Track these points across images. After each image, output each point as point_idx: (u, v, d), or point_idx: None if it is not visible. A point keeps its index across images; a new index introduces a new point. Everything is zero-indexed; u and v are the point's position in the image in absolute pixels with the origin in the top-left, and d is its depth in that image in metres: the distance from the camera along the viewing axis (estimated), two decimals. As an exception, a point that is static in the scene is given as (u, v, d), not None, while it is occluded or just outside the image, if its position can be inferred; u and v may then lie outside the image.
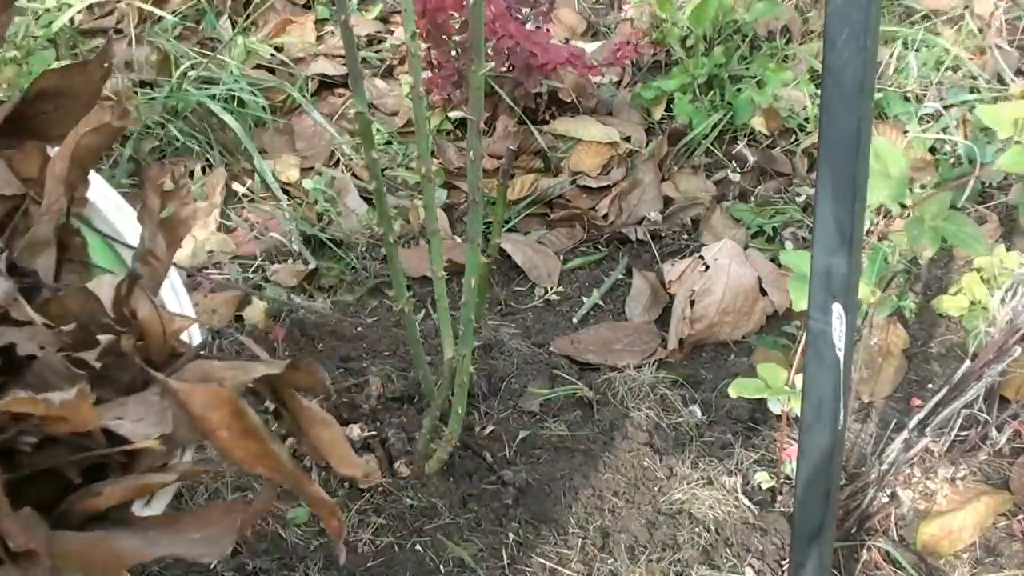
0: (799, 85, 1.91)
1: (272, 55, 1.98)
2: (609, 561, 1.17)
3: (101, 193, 0.88)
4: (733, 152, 1.87)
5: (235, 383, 0.66)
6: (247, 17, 2.09)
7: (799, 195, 1.76)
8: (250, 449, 0.62)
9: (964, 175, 1.61)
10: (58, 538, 0.60)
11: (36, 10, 1.79)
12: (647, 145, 1.88)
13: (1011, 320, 1.14)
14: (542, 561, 1.17)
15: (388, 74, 2.09)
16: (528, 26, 1.83)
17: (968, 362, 1.14)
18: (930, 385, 1.44)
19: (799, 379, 1.16)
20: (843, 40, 0.76)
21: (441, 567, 1.15)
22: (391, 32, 2.21)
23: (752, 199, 1.79)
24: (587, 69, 1.81)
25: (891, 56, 2.01)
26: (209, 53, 1.86)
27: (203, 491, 1.20)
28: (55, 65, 1.52)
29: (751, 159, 1.85)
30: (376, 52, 2.13)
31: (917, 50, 2.00)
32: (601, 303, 1.60)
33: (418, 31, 1.29)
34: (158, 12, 1.98)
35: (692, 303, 1.51)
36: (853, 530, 1.22)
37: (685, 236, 1.72)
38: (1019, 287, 1.19)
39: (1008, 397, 1.32)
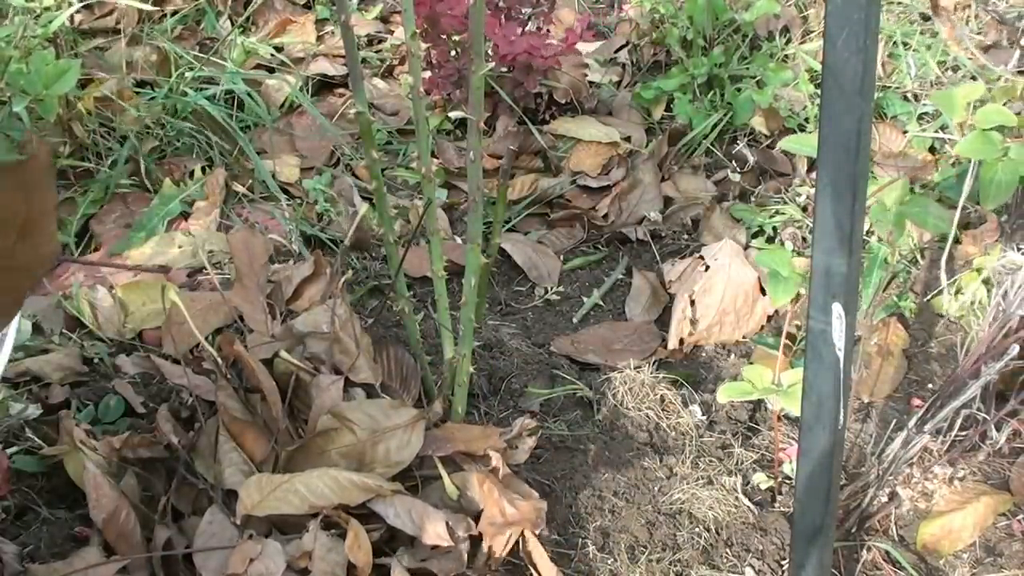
0: (799, 85, 1.91)
1: (272, 55, 1.98)
2: (609, 561, 1.17)
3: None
4: (733, 152, 1.87)
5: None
6: (247, 17, 2.10)
7: (799, 195, 1.76)
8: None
9: (963, 174, 1.61)
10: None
11: (35, 9, 1.79)
12: (647, 145, 1.88)
13: (997, 316, 1.14)
14: (542, 561, 1.17)
15: (388, 74, 2.09)
16: (529, 27, 1.83)
17: (962, 358, 1.15)
18: (930, 385, 1.44)
19: (786, 377, 1.16)
20: (843, 40, 0.76)
21: (441, 567, 1.15)
22: (391, 32, 2.21)
23: (752, 199, 1.79)
24: (544, 59, 1.81)
25: (890, 55, 2.01)
26: (203, 55, 1.86)
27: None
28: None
29: (751, 159, 1.85)
30: (376, 52, 2.13)
31: (916, 50, 2.00)
32: (601, 303, 1.60)
33: (418, 31, 1.29)
34: (149, 7, 1.98)
35: (692, 303, 1.51)
36: (853, 530, 1.22)
37: (685, 236, 1.72)
38: (1005, 280, 1.19)
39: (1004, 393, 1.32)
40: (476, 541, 1.09)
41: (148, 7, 1.91)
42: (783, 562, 1.18)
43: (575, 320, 1.56)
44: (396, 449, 1.10)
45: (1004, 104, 1.32)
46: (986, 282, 1.47)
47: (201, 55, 1.87)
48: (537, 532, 1.11)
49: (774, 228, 1.71)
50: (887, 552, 1.20)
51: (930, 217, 1.16)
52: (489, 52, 1.84)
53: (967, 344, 1.33)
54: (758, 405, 1.40)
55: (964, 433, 1.27)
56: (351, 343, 1.22)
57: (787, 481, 1.27)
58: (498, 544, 1.09)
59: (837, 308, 0.87)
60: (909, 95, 1.94)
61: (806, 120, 1.89)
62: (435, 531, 1.03)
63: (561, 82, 1.91)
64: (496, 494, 1.10)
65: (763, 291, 1.54)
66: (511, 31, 1.78)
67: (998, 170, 1.18)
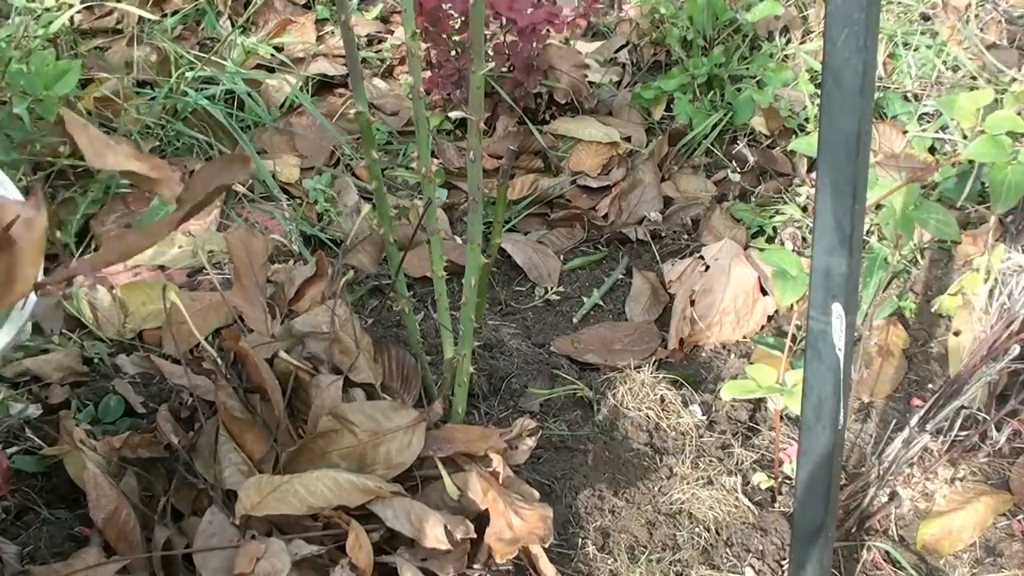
0: (799, 85, 1.91)
1: (272, 55, 1.98)
2: (609, 561, 1.17)
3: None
4: (733, 152, 1.87)
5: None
6: (247, 17, 2.09)
7: (799, 195, 1.76)
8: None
9: (963, 174, 1.61)
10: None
11: (35, 10, 1.79)
12: (647, 145, 1.88)
13: (1001, 316, 1.14)
14: (542, 561, 1.17)
15: (388, 74, 2.09)
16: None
17: (964, 359, 1.14)
18: (930, 385, 1.44)
19: (790, 377, 1.16)
20: (843, 40, 0.76)
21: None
22: (391, 32, 2.21)
23: (752, 199, 1.79)
24: (564, 25, 1.81)
25: (890, 55, 2.01)
26: (203, 55, 1.86)
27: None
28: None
29: (751, 159, 1.85)
30: (376, 52, 2.13)
31: (916, 49, 2.00)
32: (601, 303, 1.60)
33: (418, 31, 1.29)
34: (153, 17, 1.99)
35: (692, 303, 1.51)
36: (853, 530, 1.22)
37: (685, 236, 1.72)
38: (1010, 281, 1.19)
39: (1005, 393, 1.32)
40: (477, 540, 1.09)
41: (149, 15, 1.91)
42: (783, 562, 1.18)
43: (575, 320, 1.56)
44: (397, 451, 1.10)
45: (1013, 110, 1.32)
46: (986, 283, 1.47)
47: (201, 55, 1.87)
48: (546, 545, 1.10)
49: (774, 228, 1.71)
50: (887, 552, 1.21)
51: (939, 223, 1.16)
52: (490, 53, 1.84)
53: (968, 344, 1.33)
54: (758, 405, 1.40)
55: (965, 433, 1.27)
56: (351, 343, 1.22)
57: (787, 481, 1.27)
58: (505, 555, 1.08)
59: (837, 308, 0.87)
60: (909, 95, 1.94)
61: (806, 120, 1.89)
62: (434, 534, 1.03)
63: (561, 82, 1.91)
64: (501, 505, 1.10)
65: (763, 291, 1.54)
66: (524, 4, 1.77)
67: (1008, 173, 1.18)
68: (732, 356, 1.50)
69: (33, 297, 0.92)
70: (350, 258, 1.56)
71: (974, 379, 1.13)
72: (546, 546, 1.10)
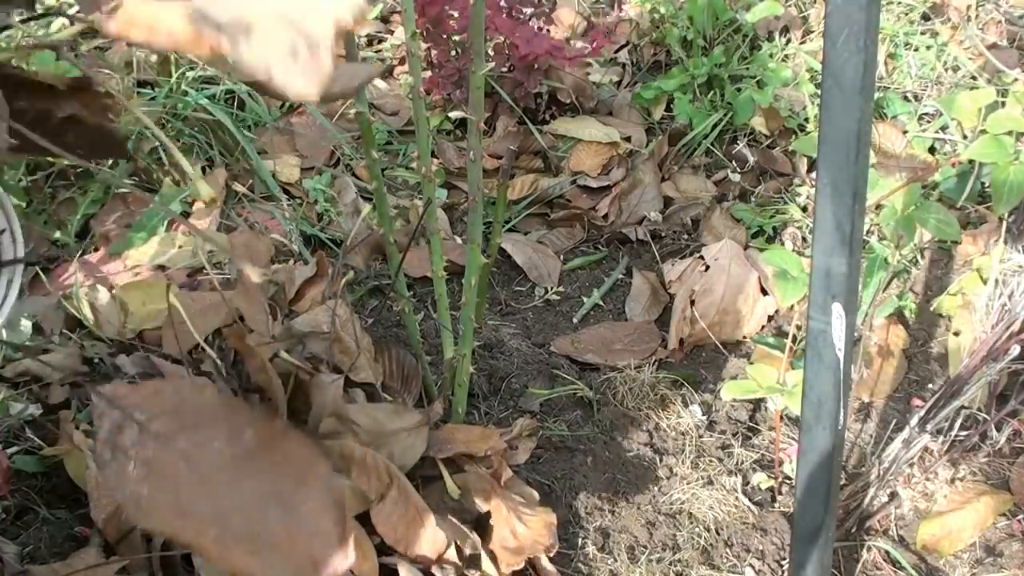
0: (799, 85, 1.91)
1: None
2: (609, 561, 1.17)
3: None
4: (733, 152, 1.87)
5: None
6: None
7: (799, 195, 1.76)
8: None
9: (964, 174, 1.61)
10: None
11: (35, 10, 1.78)
12: (647, 145, 1.88)
13: (1002, 316, 1.14)
14: (542, 561, 1.17)
15: (388, 74, 2.09)
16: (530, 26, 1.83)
17: (964, 359, 1.14)
18: (930, 385, 1.44)
19: (790, 377, 1.16)
20: (843, 40, 0.76)
21: (441, 567, 1.15)
22: (391, 32, 2.21)
23: (752, 199, 1.79)
24: (567, 60, 1.80)
25: (890, 55, 2.01)
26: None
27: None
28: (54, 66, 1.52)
29: (751, 159, 1.85)
30: (376, 52, 2.13)
31: (916, 49, 2.00)
32: (601, 303, 1.60)
33: (418, 31, 1.29)
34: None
35: (692, 303, 1.51)
36: (853, 530, 1.22)
37: (685, 236, 1.72)
38: (1011, 281, 1.19)
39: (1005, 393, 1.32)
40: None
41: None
42: (783, 562, 1.18)
43: (575, 320, 1.56)
44: (399, 453, 1.10)
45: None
46: (985, 282, 1.47)
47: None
48: (551, 554, 1.10)
49: (774, 228, 1.71)
50: (887, 552, 1.21)
51: (940, 223, 1.16)
52: (490, 53, 1.83)
53: (968, 344, 1.33)
54: (758, 405, 1.40)
55: (964, 433, 1.27)
56: (351, 343, 1.22)
57: (787, 481, 1.27)
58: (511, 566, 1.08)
59: (837, 308, 0.87)
60: (909, 95, 1.94)
61: (806, 120, 1.89)
62: (433, 538, 1.03)
63: (565, 82, 1.91)
64: (504, 511, 1.10)
65: (763, 291, 1.54)
66: (528, 32, 1.77)
67: (1010, 173, 1.19)
68: (732, 356, 1.50)
69: (18, 283, 0.90)
70: (350, 258, 1.56)
71: (974, 379, 1.13)
72: (551, 555, 1.10)
